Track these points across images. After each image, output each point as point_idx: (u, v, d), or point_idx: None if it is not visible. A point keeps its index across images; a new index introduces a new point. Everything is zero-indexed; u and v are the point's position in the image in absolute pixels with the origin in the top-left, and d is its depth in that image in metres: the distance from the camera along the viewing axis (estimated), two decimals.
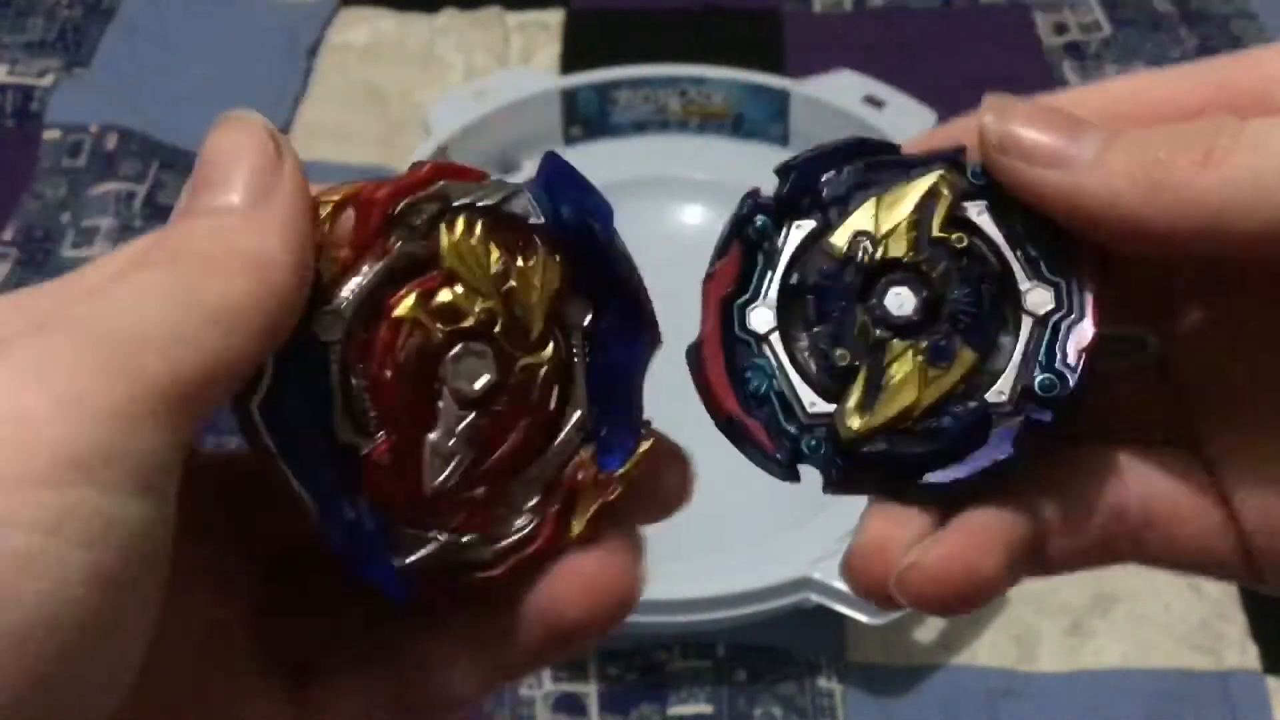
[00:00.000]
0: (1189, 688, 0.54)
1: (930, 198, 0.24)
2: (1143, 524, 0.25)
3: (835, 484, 0.25)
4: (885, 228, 0.24)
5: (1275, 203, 0.21)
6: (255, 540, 0.24)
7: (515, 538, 0.23)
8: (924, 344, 0.24)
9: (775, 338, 0.25)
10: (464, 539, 0.23)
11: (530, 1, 0.91)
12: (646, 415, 0.25)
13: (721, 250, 0.26)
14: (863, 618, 0.52)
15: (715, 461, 0.69)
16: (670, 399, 0.73)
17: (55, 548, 0.18)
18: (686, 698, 0.54)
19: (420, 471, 0.22)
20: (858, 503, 0.62)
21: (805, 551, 0.53)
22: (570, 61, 0.86)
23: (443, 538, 0.23)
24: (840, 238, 0.25)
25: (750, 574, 0.52)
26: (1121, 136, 0.23)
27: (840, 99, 0.72)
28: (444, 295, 0.22)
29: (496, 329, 0.23)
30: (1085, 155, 0.23)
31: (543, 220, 0.23)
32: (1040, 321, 0.24)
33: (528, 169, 0.74)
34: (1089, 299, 0.24)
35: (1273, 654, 0.55)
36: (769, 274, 0.26)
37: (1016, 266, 0.25)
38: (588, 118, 0.74)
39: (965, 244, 0.24)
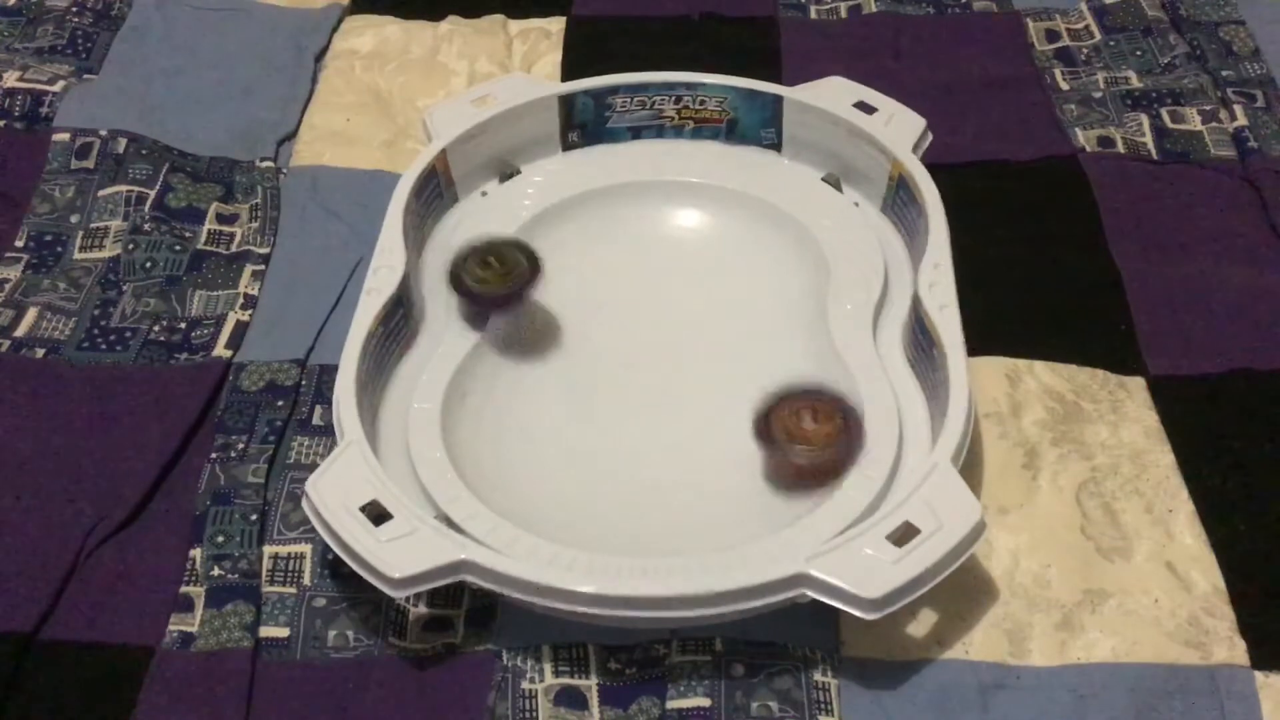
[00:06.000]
0: (1178, 682, 0.55)
1: None
2: None
3: None
4: None
5: None
6: None
7: None
8: None
9: None
10: None
11: (532, 9, 0.92)
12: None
13: None
14: (857, 613, 0.52)
15: (714, 461, 0.70)
16: (671, 399, 0.74)
17: None
18: (685, 691, 0.54)
19: None
20: (851, 501, 0.63)
21: (801, 548, 0.53)
22: (571, 68, 0.87)
23: None
24: None
25: (747, 570, 0.53)
26: None
27: (832, 104, 0.72)
28: None
29: None
30: None
31: None
32: None
33: (526, 174, 0.75)
34: None
35: (1260, 649, 0.56)
36: None
37: None
38: (585, 123, 0.75)
39: None
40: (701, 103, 0.75)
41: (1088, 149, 0.80)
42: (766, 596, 0.53)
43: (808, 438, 0.58)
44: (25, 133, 0.80)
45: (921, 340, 0.63)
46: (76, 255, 0.74)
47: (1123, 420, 0.65)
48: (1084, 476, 0.63)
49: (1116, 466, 0.63)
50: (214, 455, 0.63)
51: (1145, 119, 0.82)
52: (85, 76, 0.85)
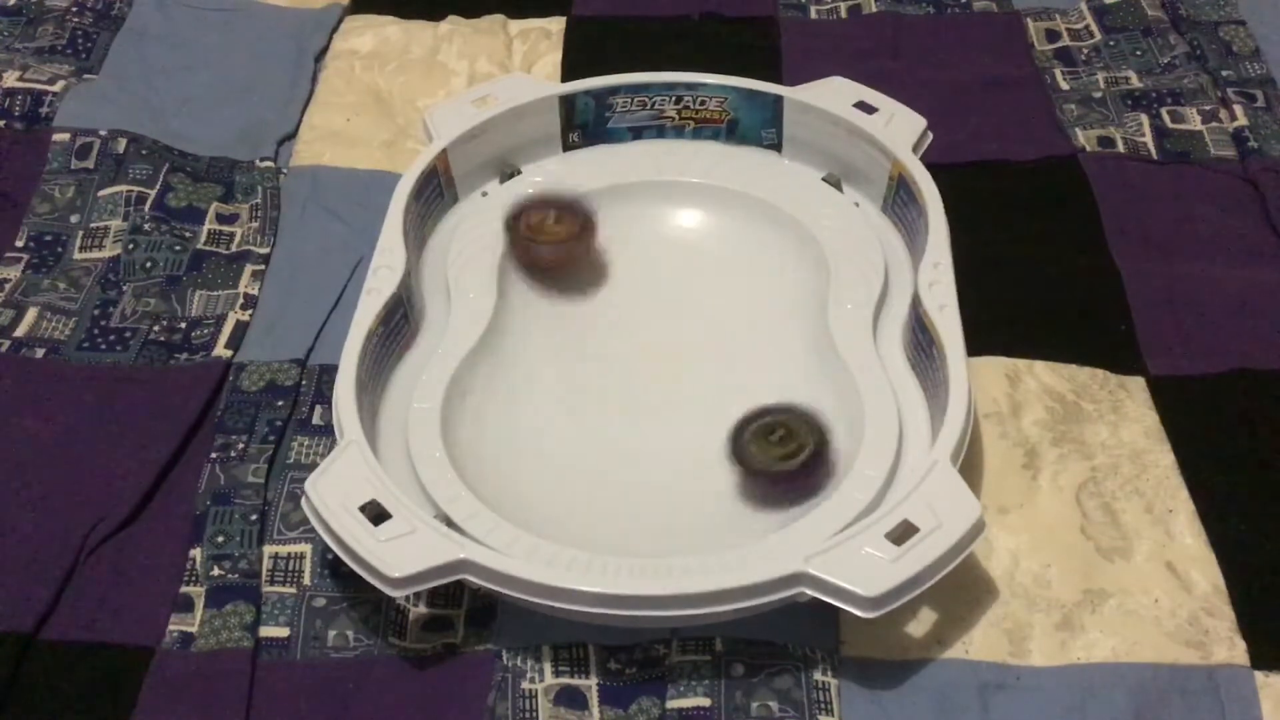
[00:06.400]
0: (1178, 682, 0.55)
1: None
2: None
3: None
4: None
5: None
6: None
7: None
8: None
9: None
10: None
11: (532, 9, 0.92)
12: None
13: None
14: (856, 611, 0.52)
15: (714, 460, 0.70)
16: (672, 398, 0.74)
17: None
18: (685, 690, 0.54)
19: None
20: (851, 500, 0.63)
21: (800, 547, 0.53)
22: (571, 68, 0.87)
23: None
24: None
25: (747, 570, 0.53)
26: None
27: (832, 105, 0.73)
28: None
29: None
30: None
31: None
32: None
33: (527, 174, 0.75)
34: None
35: (1260, 649, 0.56)
36: None
37: None
38: (586, 123, 0.75)
39: None
40: (702, 103, 0.75)
41: (1088, 149, 0.80)
42: (766, 595, 0.53)
43: (550, 235, 0.70)
44: (25, 133, 0.81)
45: (921, 340, 0.63)
46: (76, 255, 0.74)
47: (1123, 420, 0.65)
48: (1084, 476, 0.63)
49: (1116, 466, 0.63)
50: (214, 455, 0.63)
51: (1145, 119, 0.82)
52: (85, 76, 0.85)
